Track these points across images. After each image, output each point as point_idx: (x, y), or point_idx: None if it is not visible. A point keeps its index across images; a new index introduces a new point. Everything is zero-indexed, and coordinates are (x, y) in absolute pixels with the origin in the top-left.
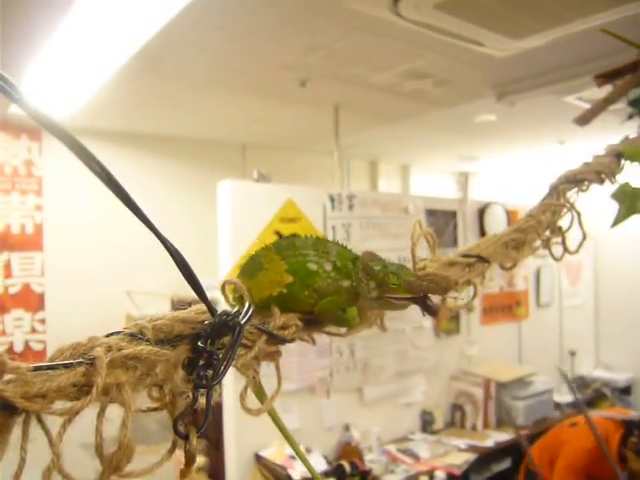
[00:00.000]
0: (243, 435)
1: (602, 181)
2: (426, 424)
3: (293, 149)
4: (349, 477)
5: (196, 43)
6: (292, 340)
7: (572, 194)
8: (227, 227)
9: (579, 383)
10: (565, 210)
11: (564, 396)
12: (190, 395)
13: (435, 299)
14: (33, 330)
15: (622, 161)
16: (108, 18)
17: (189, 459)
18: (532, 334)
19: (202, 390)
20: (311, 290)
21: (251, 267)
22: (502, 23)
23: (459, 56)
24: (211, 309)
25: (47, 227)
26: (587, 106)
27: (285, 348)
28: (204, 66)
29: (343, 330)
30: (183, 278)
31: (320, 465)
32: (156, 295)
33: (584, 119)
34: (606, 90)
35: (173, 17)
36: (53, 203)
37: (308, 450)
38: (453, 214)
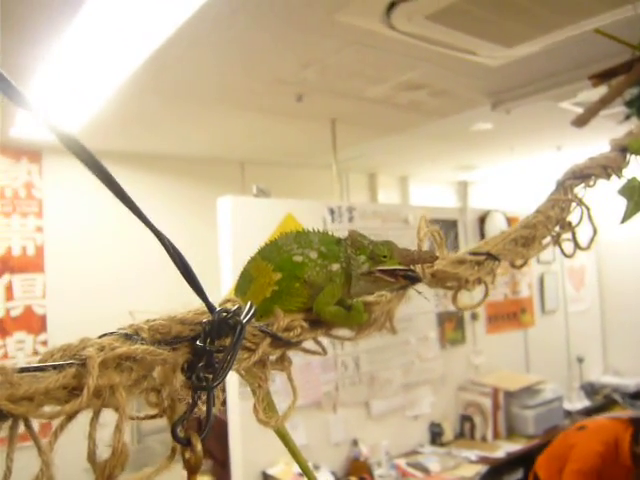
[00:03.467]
0: (250, 453)
1: (609, 176)
2: (435, 436)
3: (291, 164)
4: None
5: (193, 61)
6: (298, 343)
7: (579, 189)
8: (228, 243)
9: (588, 390)
10: (574, 205)
11: (574, 403)
12: (190, 400)
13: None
14: (35, 352)
15: (628, 155)
16: (108, 36)
17: (192, 468)
18: (538, 341)
19: (203, 393)
20: (302, 281)
21: (243, 282)
22: (494, 32)
23: (453, 66)
24: (210, 306)
25: (48, 249)
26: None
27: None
28: (202, 84)
29: (350, 333)
30: (186, 288)
31: None
32: (158, 314)
33: (581, 121)
34: (602, 92)
35: (170, 36)
36: (53, 224)
37: (316, 467)
38: (454, 223)
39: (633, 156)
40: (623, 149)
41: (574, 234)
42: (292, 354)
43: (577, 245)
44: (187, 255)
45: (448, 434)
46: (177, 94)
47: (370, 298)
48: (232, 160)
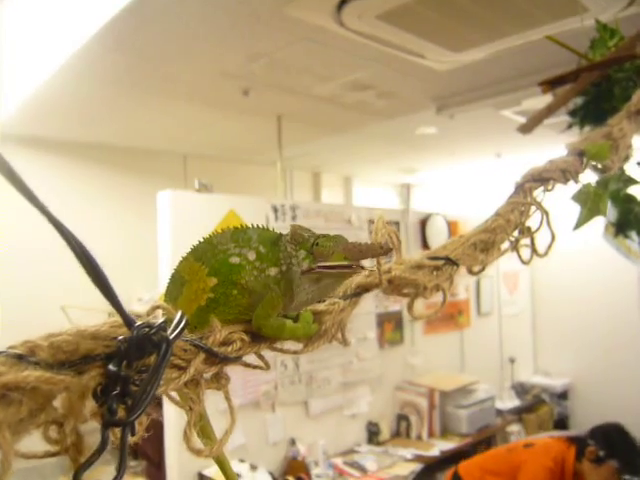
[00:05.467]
0: (185, 453)
1: (567, 180)
2: (372, 435)
3: (236, 160)
4: None
5: (135, 47)
6: (237, 359)
7: (538, 193)
8: (167, 239)
9: (519, 390)
10: (533, 210)
11: (505, 403)
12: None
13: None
14: None
15: (584, 160)
16: (44, 17)
17: None
18: (473, 342)
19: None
20: (240, 287)
21: (174, 286)
22: (443, 35)
23: (401, 68)
24: (127, 319)
25: None
26: (523, 120)
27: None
28: (143, 72)
29: (298, 346)
30: (129, 281)
31: None
32: (93, 309)
33: (527, 127)
34: (545, 101)
35: (113, 17)
36: None
37: (253, 467)
38: (396, 225)
39: (590, 161)
40: (580, 153)
41: (533, 240)
42: None
43: (535, 252)
44: (124, 251)
45: (385, 433)
46: (116, 81)
47: (320, 307)
48: (174, 153)
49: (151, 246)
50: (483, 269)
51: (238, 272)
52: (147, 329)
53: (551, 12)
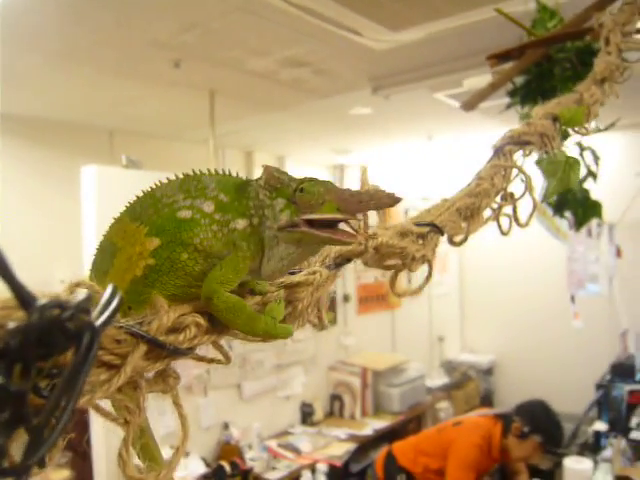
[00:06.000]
0: (113, 444)
1: (544, 145)
2: (306, 416)
3: (166, 136)
4: (230, 478)
5: (58, 9)
6: (190, 351)
7: (518, 157)
8: (92, 217)
9: (448, 367)
10: (514, 174)
11: (435, 380)
12: None
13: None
14: None
15: (557, 125)
16: None
17: None
18: (404, 322)
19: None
20: (191, 249)
21: (102, 258)
22: (382, 13)
23: (338, 45)
24: (22, 295)
25: None
26: (456, 104)
27: None
28: (66, 37)
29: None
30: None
31: (199, 468)
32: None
33: (470, 104)
34: (484, 81)
35: None
36: None
37: (185, 453)
38: None
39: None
40: (554, 118)
41: (515, 208)
42: None
43: (517, 221)
44: (45, 230)
45: (319, 413)
46: (36, 48)
47: (295, 278)
48: (100, 128)
49: (75, 225)
50: (466, 239)
51: (189, 229)
52: (58, 311)
53: None
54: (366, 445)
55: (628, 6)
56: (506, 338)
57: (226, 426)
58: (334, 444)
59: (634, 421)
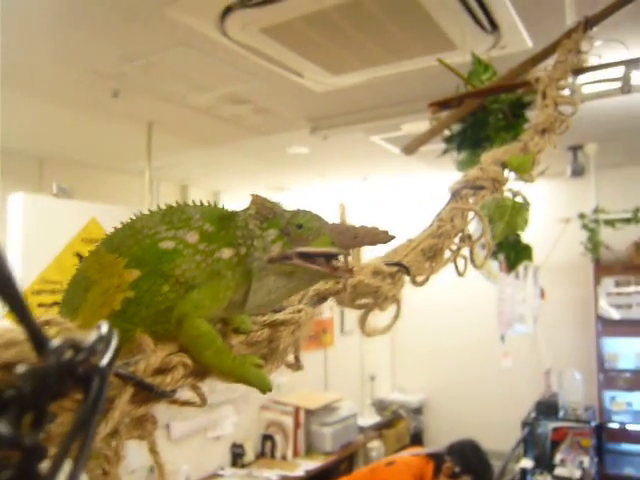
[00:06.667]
0: None
1: (495, 190)
2: (236, 457)
3: (101, 166)
4: None
5: None
6: (174, 393)
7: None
8: (18, 247)
9: (379, 406)
10: (470, 217)
11: (366, 419)
12: None
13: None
14: None
15: (506, 172)
16: None
17: None
18: (336, 361)
19: None
20: (173, 281)
21: (74, 294)
22: (323, 57)
23: (280, 85)
24: (37, 336)
25: None
26: (391, 147)
27: None
28: None
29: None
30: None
31: None
32: None
33: (410, 149)
34: (412, 130)
35: None
36: None
37: None
38: None
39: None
40: (503, 165)
41: (472, 249)
42: None
43: (473, 262)
44: None
45: (250, 454)
46: None
47: (280, 317)
48: (29, 154)
49: None
50: (427, 279)
51: (171, 260)
52: (72, 353)
53: (425, 46)
54: None
55: (561, 64)
56: (436, 377)
57: (152, 469)
58: None
59: (558, 457)
